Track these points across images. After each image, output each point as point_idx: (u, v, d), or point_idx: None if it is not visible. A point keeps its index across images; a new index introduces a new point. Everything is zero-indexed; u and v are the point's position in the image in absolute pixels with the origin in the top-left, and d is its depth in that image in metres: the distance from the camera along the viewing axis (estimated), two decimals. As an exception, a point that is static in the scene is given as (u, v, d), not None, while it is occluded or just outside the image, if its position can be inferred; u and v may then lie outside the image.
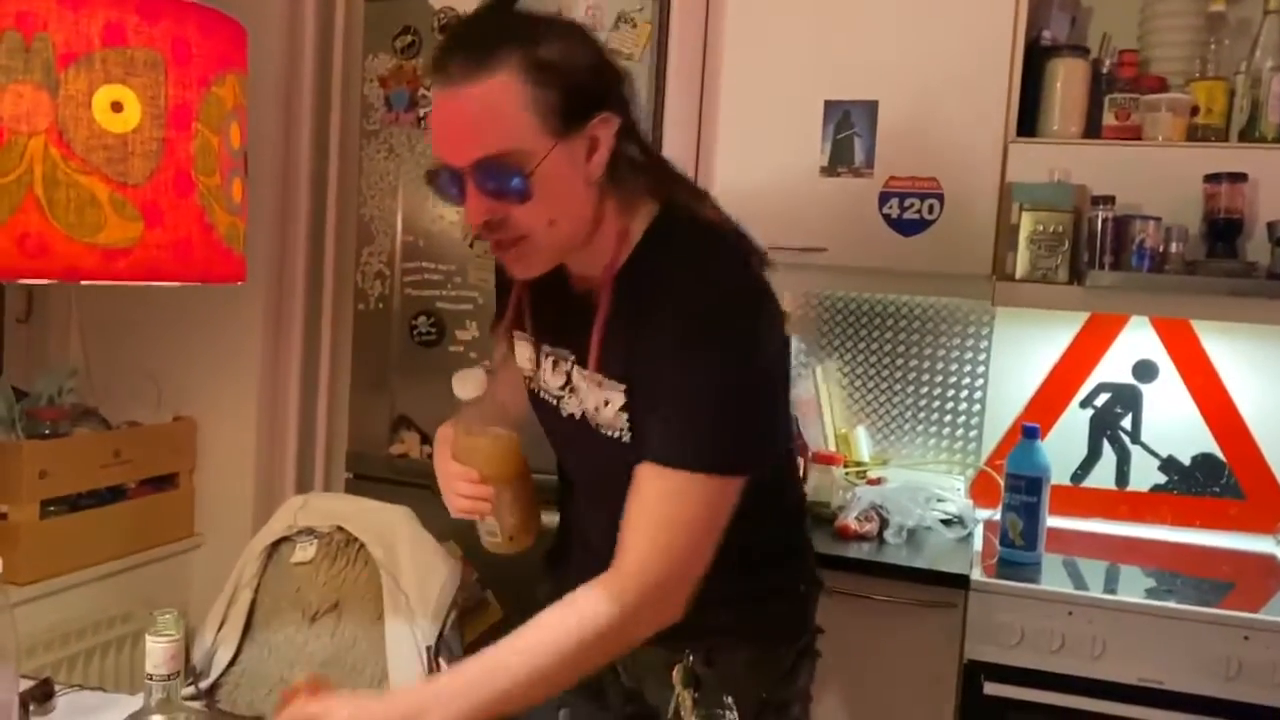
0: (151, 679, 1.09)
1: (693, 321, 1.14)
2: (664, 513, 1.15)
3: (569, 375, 1.28)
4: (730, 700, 1.37)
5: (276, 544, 1.72)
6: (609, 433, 1.23)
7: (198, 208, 0.90)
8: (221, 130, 0.93)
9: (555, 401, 1.31)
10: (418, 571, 1.63)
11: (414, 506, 1.82)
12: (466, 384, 1.30)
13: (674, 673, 1.34)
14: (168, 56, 0.87)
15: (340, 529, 1.68)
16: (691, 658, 1.31)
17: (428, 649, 1.59)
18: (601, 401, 1.22)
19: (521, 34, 1.10)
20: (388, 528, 1.66)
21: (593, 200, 1.17)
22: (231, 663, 1.68)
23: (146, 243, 0.87)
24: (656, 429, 1.17)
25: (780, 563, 1.48)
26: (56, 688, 1.50)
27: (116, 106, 0.85)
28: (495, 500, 1.31)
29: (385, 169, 2.42)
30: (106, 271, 0.85)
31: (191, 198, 0.90)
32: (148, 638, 1.07)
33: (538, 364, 1.34)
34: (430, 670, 1.58)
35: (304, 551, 1.67)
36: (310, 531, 1.69)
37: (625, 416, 1.20)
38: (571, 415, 1.29)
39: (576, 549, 1.44)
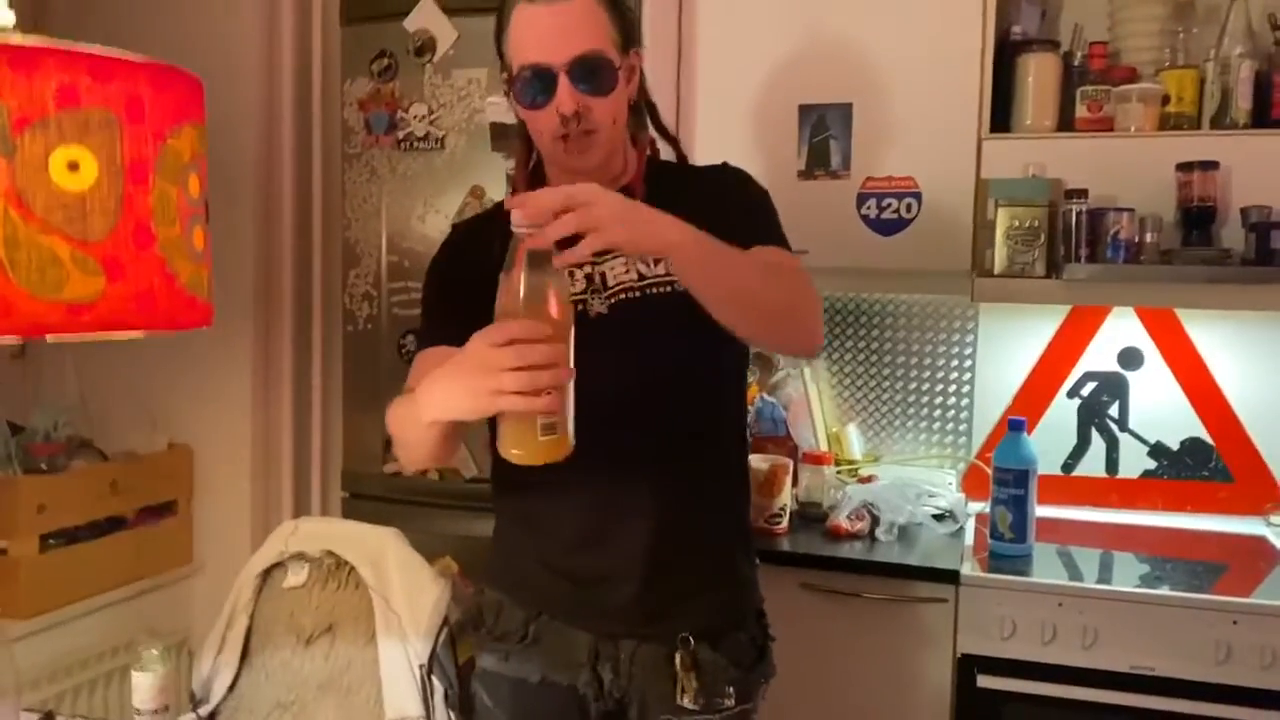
0: (139, 714, 1.11)
1: (740, 172, 1.53)
2: (794, 262, 1.44)
3: (590, 275, 1.44)
4: (730, 690, 1.44)
5: (270, 570, 1.74)
6: (658, 289, 1.43)
7: (159, 258, 0.92)
8: (180, 181, 0.95)
9: (579, 308, 1.41)
10: (408, 592, 1.65)
11: (410, 524, 1.84)
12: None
13: (676, 659, 1.40)
14: (121, 115, 0.90)
15: (330, 553, 1.70)
16: (693, 643, 1.37)
17: (420, 667, 1.61)
18: (650, 263, 1.44)
19: None
20: (377, 550, 1.69)
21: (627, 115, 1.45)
22: (230, 688, 1.71)
23: (109, 296, 0.89)
24: (753, 235, 1.39)
25: (752, 543, 1.61)
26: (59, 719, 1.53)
27: (73, 166, 0.87)
28: (561, 364, 1.10)
29: (368, 191, 2.45)
30: (71, 325, 0.88)
31: (152, 249, 0.92)
32: (133, 672, 1.09)
33: None
34: (425, 689, 1.61)
35: (296, 576, 1.70)
36: (301, 556, 1.72)
37: None
38: (600, 313, 1.43)
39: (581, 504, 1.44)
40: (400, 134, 2.41)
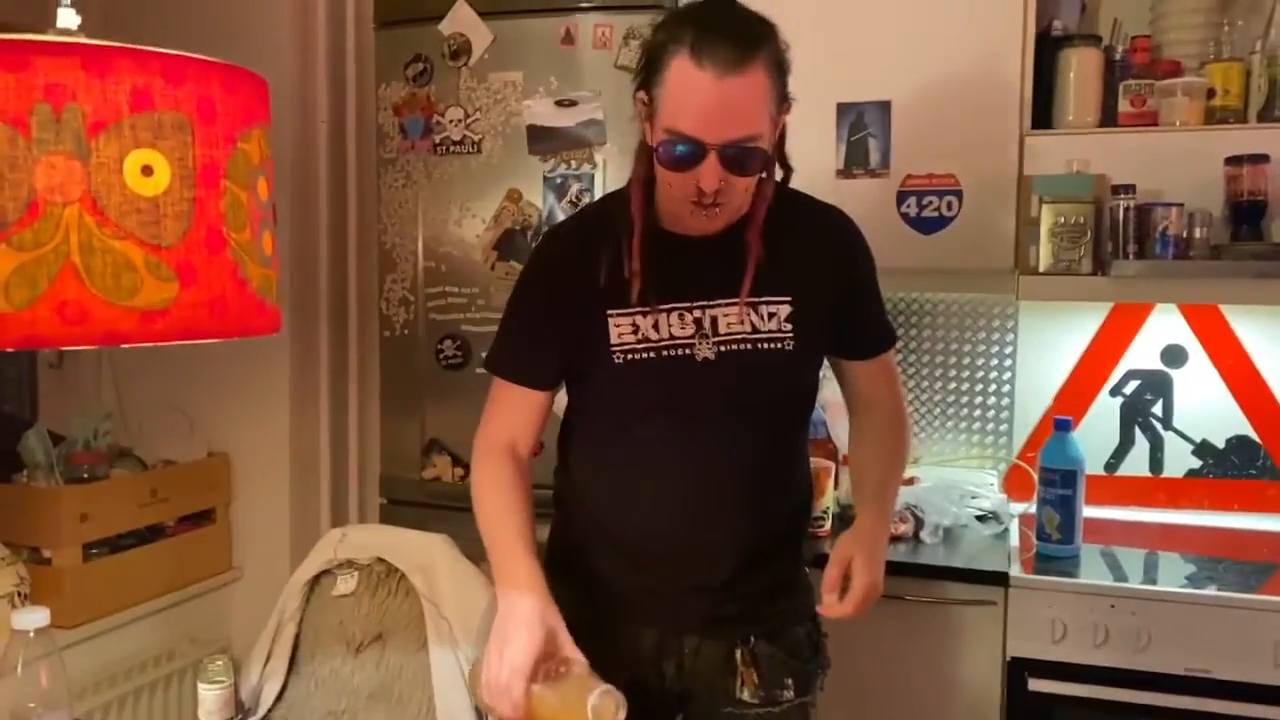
0: (205, 725, 1.10)
1: (856, 234, 1.53)
2: (893, 373, 1.66)
3: (699, 320, 1.43)
4: (789, 681, 1.46)
5: (317, 577, 1.73)
6: (770, 345, 1.44)
7: (230, 264, 0.91)
8: (249, 185, 0.94)
9: (686, 351, 1.43)
10: (459, 598, 1.63)
11: (448, 529, 1.83)
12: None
13: (738, 654, 1.42)
14: (194, 117, 0.88)
15: (380, 560, 1.69)
16: (753, 639, 1.46)
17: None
18: (765, 317, 1.44)
19: (767, 32, 1.32)
20: (427, 556, 1.67)
21: None
22: (279, 697, 1.69)
23: (182, 302, 0.88)
24: (864, 322, 1.57)
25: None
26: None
27: (147, 170, 0.86)
28: None
29: (404, 196, 2.44)
30: (145, 333, 0.86)
31: (224, 254, 0.91)
32: (199, 685, 1.08)
33: (654, 327, 1.42)
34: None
35: (345, 584, 1.68)
36: (350, 564, 1.70)
37: (790, 325, 1.44)
38: (706, 359, 1.43)
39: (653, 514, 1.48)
40: (436, 138, 2.40)
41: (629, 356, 1.42)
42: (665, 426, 1.44)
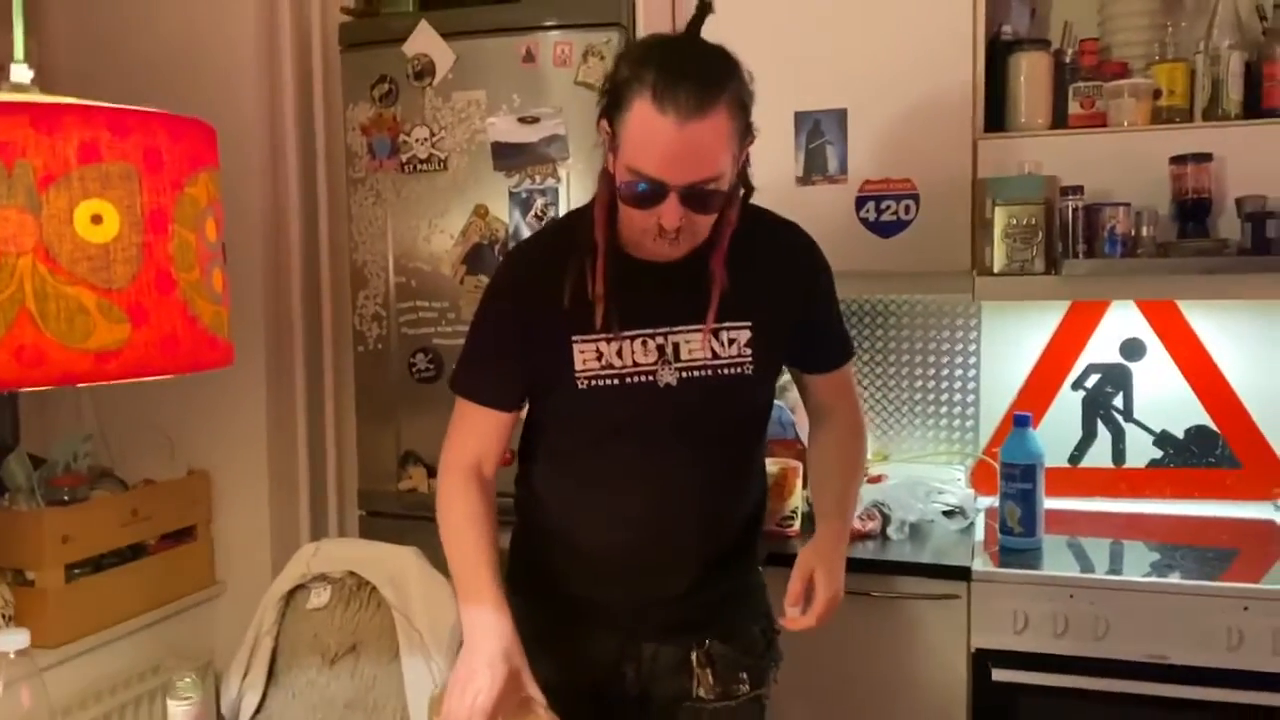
0: (177, 743, 1.14)
1: (815, 253, 1.56)
2: (851, 384, 1.69)
3: (661, 347, 1.45)
4: (744, 676, 1.51)
5: (292, 592, 1.78)
6: (730, 370, 1.47)
7: (180, 303, 0.96)
8: (197, 227, 0.99)
9: (649, 377, 1.46)
10: (429, 610, 1.68)
11: (426, 539, 1.87)
12: None
13: (694, 657, 1.47)
14: (140, 167, 0.93)
15: (352, 574, 1.74)
16: (709, 641, 1.52)
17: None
18: (725, 343, 1.47)
19: (730, 72, 1.33)
20: (398, 569, 1.72)
21: None
22: (258, 709, 1.74)
23: (135, 342, 0.92)
24: (823, 338, 1.61)
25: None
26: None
27: (96, 219, 0.90)
28: None
29: (374, 215, 2.49)
30: (100, 373, 0.91)
31: (174, 295, 0.95)
32: (169, 702, 1.13)
33: (618, 354, 1.45)
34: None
35: (319, 598, 1.73)
36: (324, 578, 1.75)
37: (750, 350, 1.47)
38: (669, 384, 1.46)
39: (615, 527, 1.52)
40: (403, 157, 2.45)
41: (592, 383, 1.45)
42: (626, 447, 1.49)
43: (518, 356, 1.49)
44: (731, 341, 1.47)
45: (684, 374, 1.46)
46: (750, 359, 1.48)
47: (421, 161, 2.43)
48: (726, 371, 1.47)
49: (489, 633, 1.39)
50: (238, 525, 2.53)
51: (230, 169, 2.48)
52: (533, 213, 2.36)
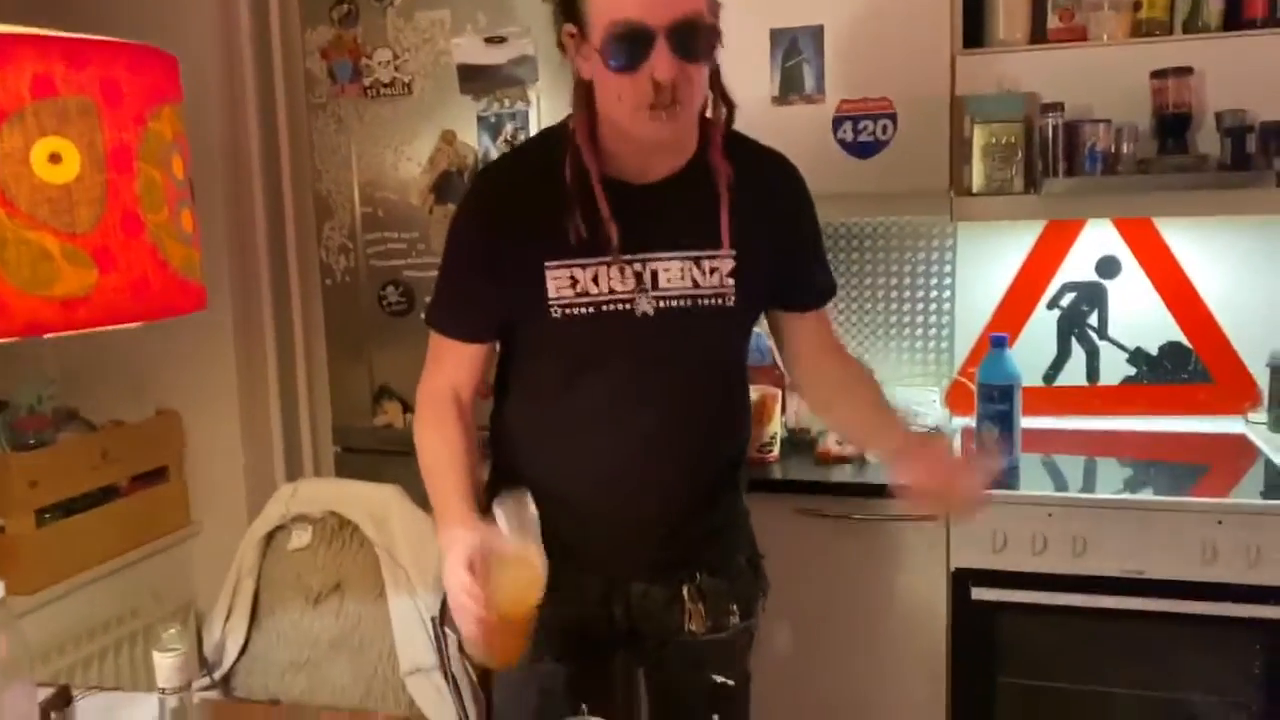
0: (164, 692, 1.12)
1: (801, 183, 1.50)
2: (835, 338, 1.65)
3: (639, 274, 1.39)
4: (734, 608, 1.50)
5: (272, 533, 1.75)
6: (710, 301, 1.41)
7: (149, 245, 0.91)
8: (163, 164, 0.94)
9: (625, 306, 1.40)
10: (413, 546, 1.67)
11: (402, 474, 1.85)
12: (513, 520, 1.31)
13: (684, 592, 1.45)
14: (99, 101, 0.87)
15: (333, 513, 1.71)
16: (699, 576, 1.51)
17: (432, 620, 1.63)
18: (706, 272, 1.41)
19: None
20: (379, 507, 1.70)
21: None
22: (242, 651, 1.73)
23: (103, 288, 0.88)
24: (807, 274, 1.54)
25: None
26: (74, 692, 1.54)
27: (55, 158, 0.85)
28: (503, 632, 1.29)
29: (337, 142, 2.41)
30: (68, 322, 0.87)
31: (142, 237, 0.90)
32: (155, 654, 1.11)
33: (594, 280, 1.40)
34: (437, 640, 1.63)
35: (300, 538, 1.71)
36: (304, 518, 1.73)
37: (732, 281, 1.41)
38: (645, 314, 1.40)
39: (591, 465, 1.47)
40: (366, 81, 2.36)
41: (566, 311, 1.40)
42: (602, 381, 1.44)
43: (489, 285, 1.43)
44: (713, 271, 1.42)
45: (661, 304, 1.41)
46: (732, 290, 1.42)
47: (385, 86, 2.35)
48: (706, 303, 1.42)
49: (461, 537, 1.32)
50: (211, 465, 2.49)
51: (186, 100, 2.40)
52: (503, 138, 2.29)
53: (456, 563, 1.28)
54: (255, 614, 1.74)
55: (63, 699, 1.52)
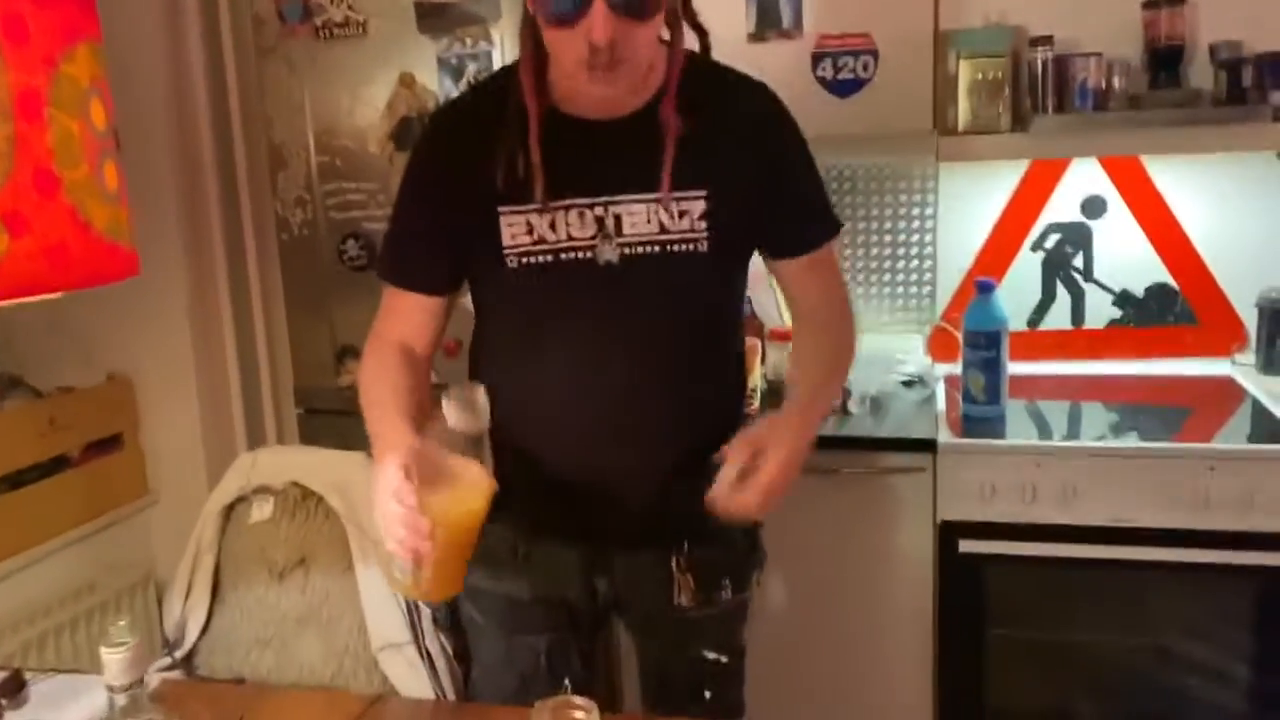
0: (113, 689, 1.04)
1: (783, 114, 1.37)
2: (836, 270, 1.48)
3: (601, 219, 1.28)
4: (726, 581, 1.43)
5: (232, 505, 1.66)
6: (681, 247, 1.30)
7: (67, 206, 0.81)
8: (80, 113, 0.83)
9: (586, 254, 1.29)
10: (382, 517, 1.58)
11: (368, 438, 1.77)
12: (464, 411, 1.18)
13: (673, 563, 1.37)
14: (1, 39, 0.77)
15: (295, 484, 1.62)
16: (688, 546, 1.42)
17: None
18: (675, 215, 1.29)
19: None
20: (343, 476, 1.61)
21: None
22: (205, 629, 1.64)
23: (15, 254, 0.78)
24: (796, 213, 1.40)
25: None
26: (27, 676, 1.46)
27: (-50, 107, 0.74)
28: (440, 554, 1.14)
29: (289, 87, 2.27)
30: (-25, 294, 0.76)
31: (58, 197, 0.80)
32: (103, 650, 1.02)
33: (551, 226, 1.29)
34: (410, 614, 1.55)
35: (261, 511, 1.62)
36: (265, 489, 1.63)
37: (705, 224, 1.30)
38: (609, 262, 1.29)
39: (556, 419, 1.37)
40: (317, 21, 2.22)
41: (524, 260, 1.30)
42: (571, 338, 1.33)
43: (441, 233, 1.33)
44: (683, 214, 1.29)
45: (627, 250, 1.29)
46: (705, 235, 1.30)
47: (338, 25, 2.21)
48: (677, 249, 1.30)
49: (395, 452, 1.18)
50: (168, 431, 2.38)
51: (122, 42, 2.25)
52: (464, 80, 2.17)
53: (389, 466, 1.14)
54: (217, 590, 1.65)
55: (14, 684, 1.44)
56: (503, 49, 2.14)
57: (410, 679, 1.53)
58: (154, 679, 1.59)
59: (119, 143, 0.90)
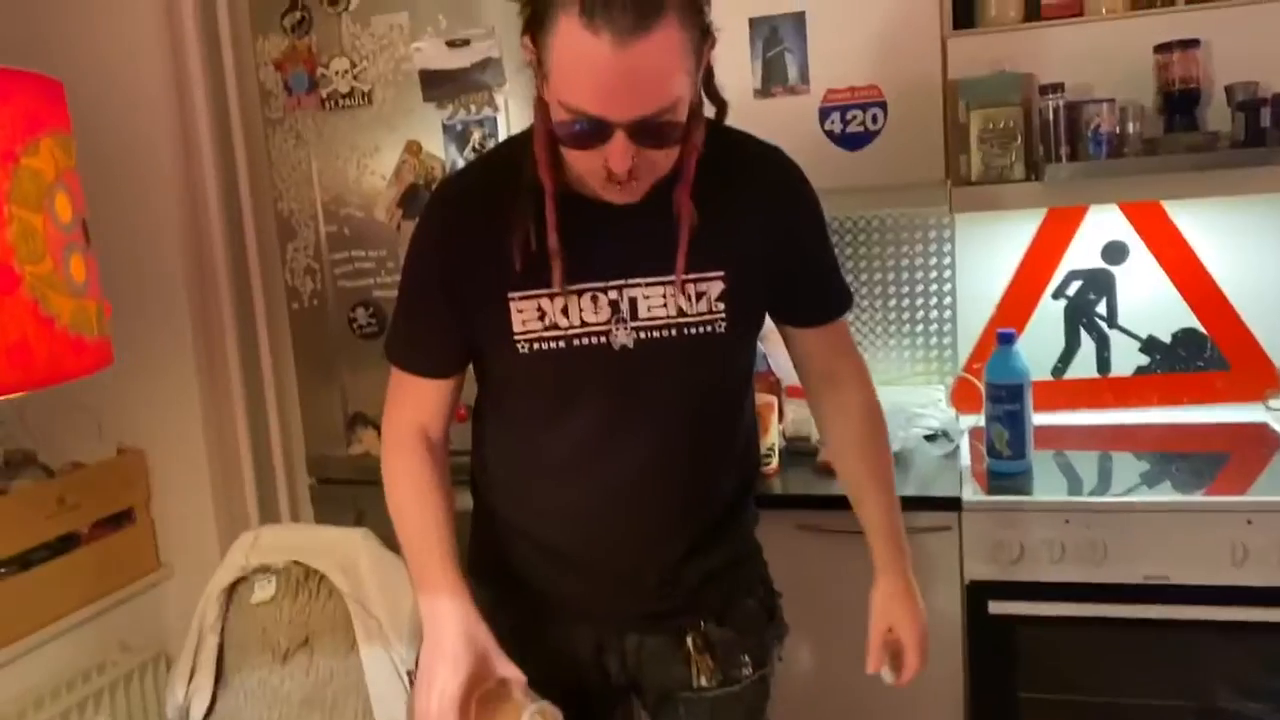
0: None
1: (802, 184, 1.33)
2: (849, 341, 1.48)
3: (615, 303, 1.25)
4: (746, 658, 1.37)
5: (235, 584, 1.63)
6: (699, 330, 1.26)
7: (29, 302, 0.78)
8: (43, 207, 0.81)
9: (600, 339, 1.26)
10: (385, 594, 1.55)
11: (382, 504, 1.73)
12: None
13: (689, 643, 1.33)
14: (-44, 137, 0.75)
15: (297, 563, 1.59)
16: (703, 624, 1.38)
17: (409, 673, 1.51)
18: (693, 298, 1.26)
19: None
20: (346, 554, 1.58)
21: None
22: (209, 712, 1.61)
23: (-27, 355, 0.75)
24: (812, 286, 1.38)
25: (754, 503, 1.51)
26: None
27: (-98, 207, 0.72)
28: None
29: (296, 158, 2.28)
30: (-71, 399, 0.74)
31: (18, 294, 0.78)
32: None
33: (564, 312, 1.25)
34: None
35: (263, 591, 1.59)
36: (266, 569, 1.60)
37: (723, 305, 1.26)
38: (624, 347, 1.26)
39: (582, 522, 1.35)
40: (323, 92, 2.23)
41: (535, 346, 1.26)
42: (580, 420, 1.29)
43: (452, 315, 1.28)
44: (701, 295, 1.25)
45: (642, 334, 1.25)
46: (723, 316, 1.26)
47: (343, 96, 2.22)
48: (694, 331, 1.26)
49: (447, 620, 1.23)
50: (179, 504, 2.36)
51: (131, 119, 2.26)
52: (470, 146, 2.16)
53: (445, 666, 1.20)
54: (220, 671, 1.62)
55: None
56: (508, 114, 2.14)
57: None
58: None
59: (88, 234, 0.88)
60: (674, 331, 1.26)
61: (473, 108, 2.15)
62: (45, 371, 0.80)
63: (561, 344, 1.25)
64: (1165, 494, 1.99)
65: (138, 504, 2.30)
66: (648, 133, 1.09)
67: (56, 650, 2.05)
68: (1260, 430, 2.25)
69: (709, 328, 1.27)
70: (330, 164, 2.26)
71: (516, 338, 1.26)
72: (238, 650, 1.61)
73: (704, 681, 1.40)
